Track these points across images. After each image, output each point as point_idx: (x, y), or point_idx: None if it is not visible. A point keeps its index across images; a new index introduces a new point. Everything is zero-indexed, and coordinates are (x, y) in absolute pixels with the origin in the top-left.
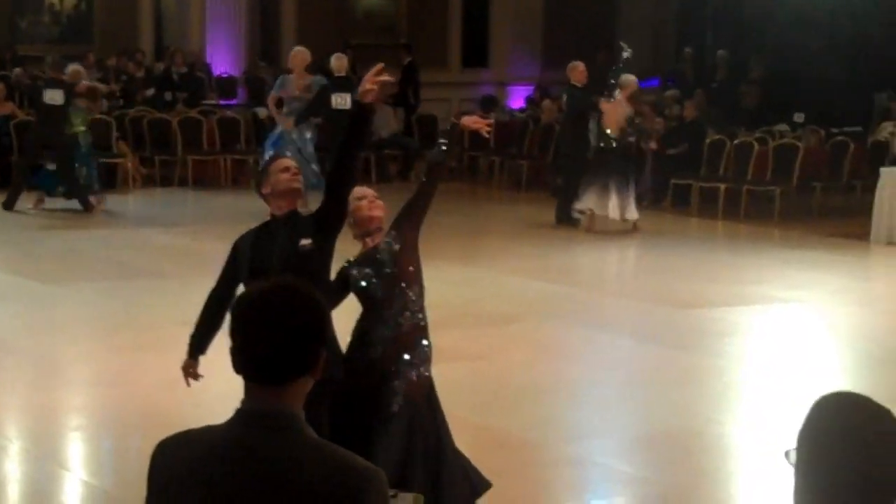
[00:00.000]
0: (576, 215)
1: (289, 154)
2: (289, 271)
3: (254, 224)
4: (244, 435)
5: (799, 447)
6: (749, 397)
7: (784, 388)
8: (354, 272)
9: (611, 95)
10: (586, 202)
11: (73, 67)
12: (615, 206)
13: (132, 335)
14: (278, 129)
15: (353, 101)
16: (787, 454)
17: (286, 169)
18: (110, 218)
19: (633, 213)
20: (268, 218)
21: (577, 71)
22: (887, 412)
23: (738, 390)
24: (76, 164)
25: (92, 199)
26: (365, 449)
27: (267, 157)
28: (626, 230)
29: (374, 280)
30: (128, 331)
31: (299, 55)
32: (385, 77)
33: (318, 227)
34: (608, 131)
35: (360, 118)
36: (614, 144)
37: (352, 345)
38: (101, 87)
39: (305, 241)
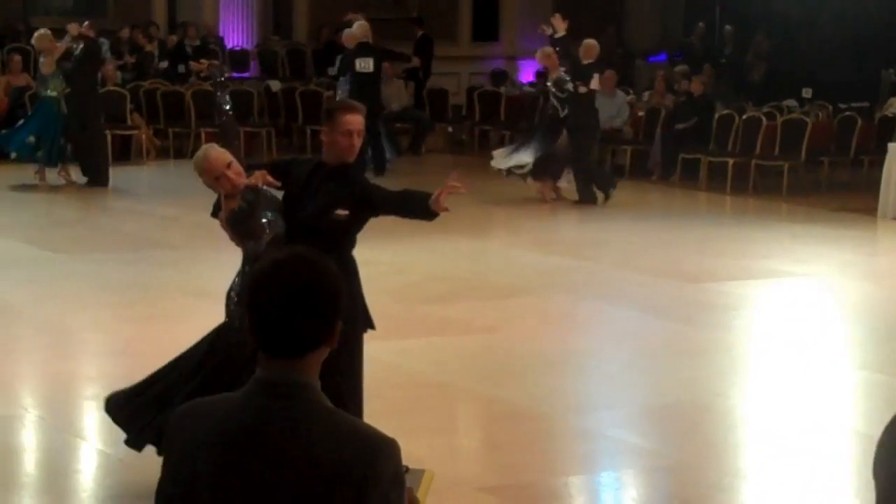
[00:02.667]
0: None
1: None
2: (314, 228)
3: None
4: (259, 404)
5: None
6: (756, 371)
7: (791, 362)
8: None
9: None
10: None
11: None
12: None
13: (144, 305)
14: None
15: (426, 209)
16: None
17: (350, 133)
18: (123, 190)
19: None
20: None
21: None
22: None
23: (746, 364)
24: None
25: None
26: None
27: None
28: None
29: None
30: (139, 301)
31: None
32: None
33: (357, 204)
34: None
35: (424, 214)
36: None
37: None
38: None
39: (342, 212)
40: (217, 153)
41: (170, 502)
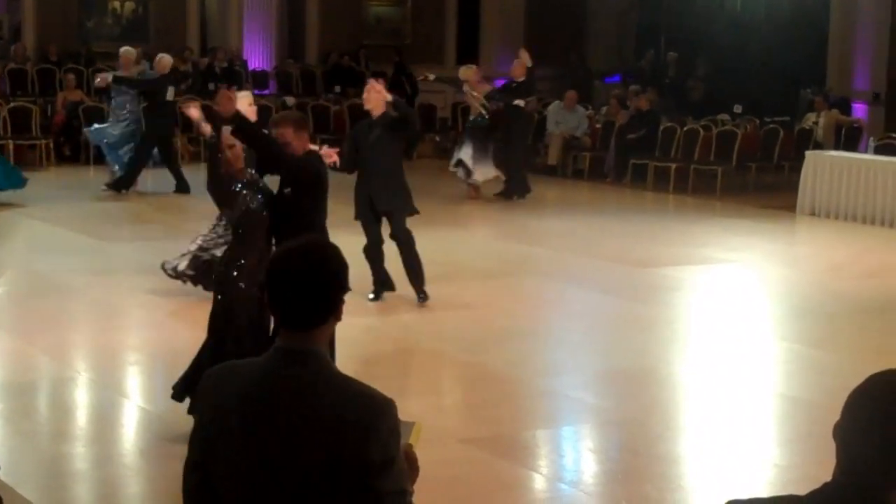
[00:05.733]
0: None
1: None
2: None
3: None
4: (279, 368)
5: (840, 417)
6: (693, 342)
7: (723, 334)
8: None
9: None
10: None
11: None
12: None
13: (178, 285)
14: None
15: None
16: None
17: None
18: (162, 187)
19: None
20: None
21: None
22: None
23: (685, 336)
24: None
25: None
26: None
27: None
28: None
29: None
30: (175, 282)
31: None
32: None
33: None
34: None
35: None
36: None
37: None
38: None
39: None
40: None
41: (202, 450)
